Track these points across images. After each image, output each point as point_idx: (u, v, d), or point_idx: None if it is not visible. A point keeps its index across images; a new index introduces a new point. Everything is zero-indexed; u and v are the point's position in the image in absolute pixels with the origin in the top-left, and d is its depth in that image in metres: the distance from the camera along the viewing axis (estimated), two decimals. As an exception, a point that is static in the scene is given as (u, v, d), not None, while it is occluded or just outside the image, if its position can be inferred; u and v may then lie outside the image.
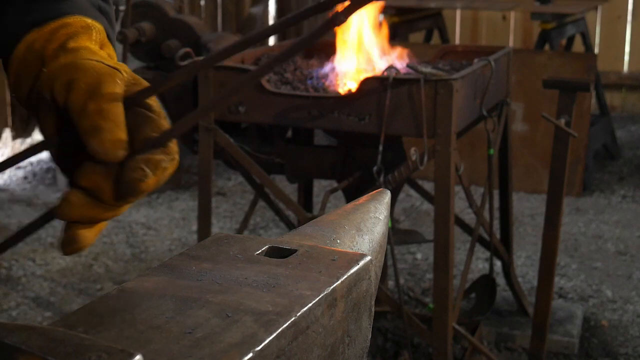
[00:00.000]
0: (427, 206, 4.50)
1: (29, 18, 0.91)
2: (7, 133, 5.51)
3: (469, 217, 4.01)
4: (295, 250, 1.01)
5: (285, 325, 0.86)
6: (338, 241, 1.10)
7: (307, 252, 1.03)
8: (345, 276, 0.98)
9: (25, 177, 5.20)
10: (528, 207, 4.68)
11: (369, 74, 2.52)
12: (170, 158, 0.82)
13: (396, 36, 5.05)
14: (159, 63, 2.85)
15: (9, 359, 0.73)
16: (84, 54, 0.85)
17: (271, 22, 6.86)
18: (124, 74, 0.83)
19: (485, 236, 3.09)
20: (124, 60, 2.91)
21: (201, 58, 2.59)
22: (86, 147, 0.80)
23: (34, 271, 3.81)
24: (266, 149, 2.74)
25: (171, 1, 3.03)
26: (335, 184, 2.73)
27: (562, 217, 2.88)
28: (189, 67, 0.84)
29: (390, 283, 3.25)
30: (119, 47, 2.96)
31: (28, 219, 4.47)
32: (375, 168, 2.45)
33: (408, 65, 2.56)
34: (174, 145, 0.82)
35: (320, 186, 4.69)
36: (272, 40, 6.82)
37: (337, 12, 0.72)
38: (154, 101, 0.84)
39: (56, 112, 0.84)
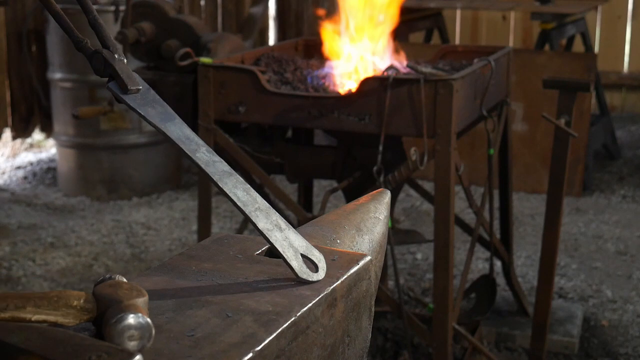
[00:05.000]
0: (427, 206, 4.50)
1: None
2: (7, 133, 5.51)
3: (469, 217, 4.01)
4: (295, 250, 1.01)
5: (285, 325, 0.86)
6: (338, 241, 1.10)
7: (307, 252, 1.03)
8: (345, 276, 0.98)
9: (25, 177, 5.20)
10: (528, 207, 4.68)
11: (369, 74, 2.52)
12: None
13: (396, 36, 5.05)
14: (159, 63, 2.85)
15: (9, 359, 0.73)
16: None
17: (271, 22, 6.86)
18: None
19: (485, 236, 3.09)
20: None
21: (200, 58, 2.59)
22: None
23: (34, 271, 3.81)
24: (266, 149, 2.74)
25: (171, 1, 3.03)
26: (335, 184, 2.73)
27: (562, 217, 2.88)
28: None
29: (390, 283, 3.25)
30: (119, 47, 2.96)
31: (28, 219, 4.47)
32: (375, 168, 2.45)
33: (408, 65, 2.56)
34: None
35: (320, 186, 4.69)
36: (272, 40, 6.82)
37: None
38: None
39: None
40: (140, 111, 0.95)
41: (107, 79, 0.95)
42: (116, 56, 0.94)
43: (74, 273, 3.80)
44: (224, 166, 0.97)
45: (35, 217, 4.51)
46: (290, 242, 0.98)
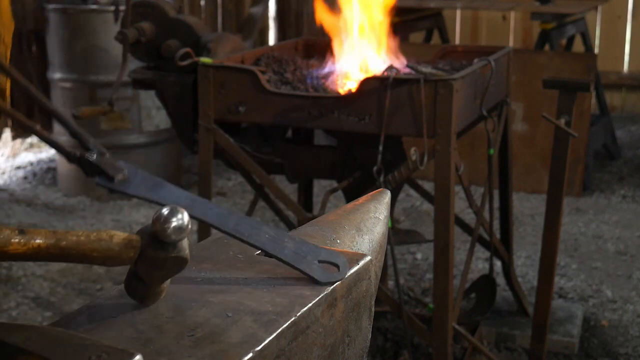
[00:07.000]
0: (427, 206, 4.50)
1: None
2: (7, 133, 5.51)
3: (469, 217, 4.01)
4: (295, 250, 1.01)
5: (285, 325, 0.86)
6: (338, 241, 1.10)
7: (307, 252, 1.03)
8: (345, 276, 0.98)
9: (25, 177, 5.20)
10: (528, 207, 4.68)
11: (369, 74, 2.52)
12: None
13: (396, 36, 5.05)
14: (159, 63, 2.85)
15: (9, 359, 0.73)
16: None
17: (271, 22, 6.86)
18: None
19: (485, 236, 3.09)
20: (124, 60, 2.91)
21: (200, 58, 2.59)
22: None
23: (34, 271, 3.81)
24: (266, 149, 2.74)
25: (171, 1, 3.03)
26: (335, 184, 2.73)
27: (562, 217, 2.88)
28: None
29: (390, 283, 3.25)
30: (119, 47, 2.96)
31: (28, 219, 4.47)
32: (375, 168, 2.45)
33: (408, 65, 2.56)
34: None
35: (320, 186, 4.69)
36: (272, 40, 6.82)
37: None
38: None
39: None
40: (135, 194, 0.99)
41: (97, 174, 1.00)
42: (95, 155, 0.99)
43: (74, 273, 3.80)
44: (220, 210, 1.00)
45: (35, 217, 4.51)
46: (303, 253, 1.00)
